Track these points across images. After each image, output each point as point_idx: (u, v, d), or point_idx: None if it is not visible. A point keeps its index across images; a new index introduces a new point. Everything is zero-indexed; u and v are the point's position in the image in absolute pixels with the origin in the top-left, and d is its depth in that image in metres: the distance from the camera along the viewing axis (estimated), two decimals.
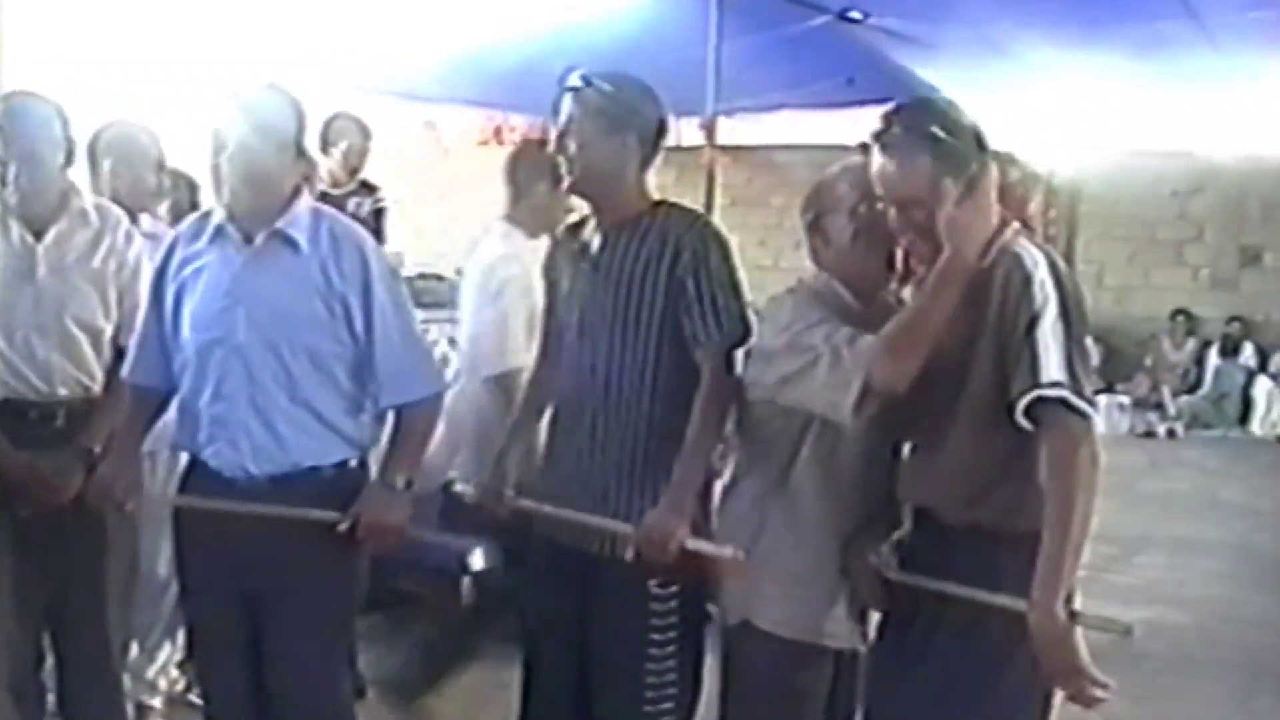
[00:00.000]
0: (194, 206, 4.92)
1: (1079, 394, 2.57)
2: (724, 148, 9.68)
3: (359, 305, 3.17)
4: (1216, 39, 8.39)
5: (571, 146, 3.11)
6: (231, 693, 3.28)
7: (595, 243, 3.19)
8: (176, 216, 4.66)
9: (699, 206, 7.93)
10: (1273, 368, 12.88)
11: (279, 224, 3.15)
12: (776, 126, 15.02)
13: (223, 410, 3.15)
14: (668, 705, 3.13)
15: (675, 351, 3.09)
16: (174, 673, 4.53)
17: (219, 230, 3.20)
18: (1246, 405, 12.81)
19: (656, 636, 3.10)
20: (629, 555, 2.99)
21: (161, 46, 8.63)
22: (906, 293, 2.99)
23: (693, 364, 3.07)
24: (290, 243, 3.16)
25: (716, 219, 8.09)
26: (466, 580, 5.21)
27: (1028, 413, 2.58)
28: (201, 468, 3.23)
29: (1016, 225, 2.74)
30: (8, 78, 4.77)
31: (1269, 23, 8.01)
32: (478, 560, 5.19)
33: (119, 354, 3.57)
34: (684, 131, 13.47)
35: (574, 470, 3.20)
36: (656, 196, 3.21)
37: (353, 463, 3.26)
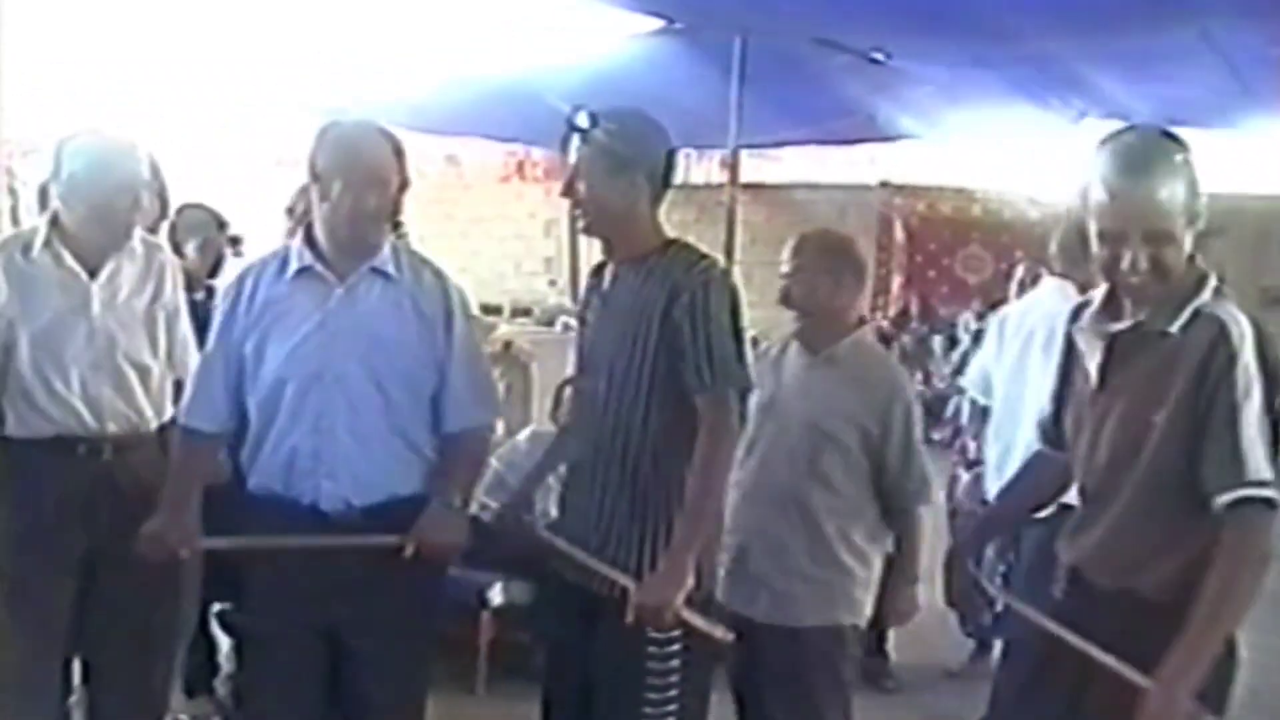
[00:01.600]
0: (221, 245, 4.93)
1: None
2: (745, 186, 9.70)
3: (442, 330, 3.22)
4: (1240, 73, 8.39)
5: (581, 189, 3.10)
6: None
7: (608, 280, 3.20)
8: (204, 254, 4.69)
9: (719, 245, 7.98)
10: None
11: (376, 262, 3.18)
12: (797, 164, 15.12)
13: (320, 444, 3.14)
14: None
15: (672, 395, 3.04)
16: (182, 699, 4.55)
17: (303, 270, 3.19)
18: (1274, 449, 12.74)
19: (655, 681, 3.07)
20: (629, 617, 2.96)
21: (183, 72, 8.72)
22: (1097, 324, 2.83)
23: (692, 408, 3.02)
24: (384, 275, 3.19)
25: (737, 257, 8.14)
26: (486, 616, 5.23)
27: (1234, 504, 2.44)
28: (284, 505, 3.18)
29: (1213, 280, 2.59)
30: (8, 78, 4.80)
31: None
32: (497, 595, 5.20)
33: (178, 390, 3.61)
34: (705, 169, 13.62)
35: (578, 510, 3.20)
36: (671, 234, 3.20)
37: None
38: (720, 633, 3.04)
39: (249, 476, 3.26)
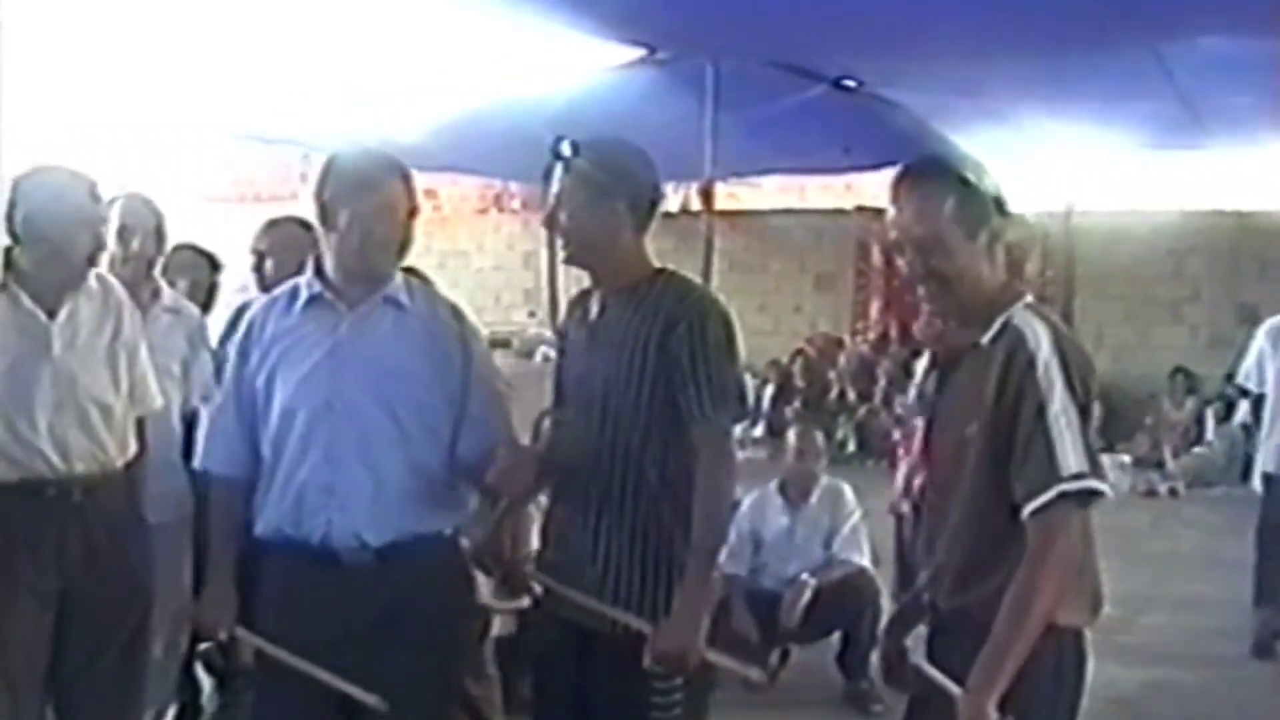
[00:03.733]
0: (213, 287, 4.92)
1: (1103, 478, 2.48)
2: (722, 213, 9.73)
3: (460, 364, 3.16)
4: (1204, 121, 8.51)
5: (562, 216, 3.09)
6: None
7: (594, 311, 3.16)
8: (193, 295, 4.67)
9: (697, 272, 8.01)
10: None
11: (388, 291, 3.11)
12: (774, 193, 15.18)
13: (332, 477, 3.04)
14: None
15: (670, 424, 3.00)
16: None
17: (313, 299, 3.12)
18: (1247, 463, 12.77)
19: (658, 715, 3.03)
20: (646, 663, 2.91)
21: (156, 102, 8.72)
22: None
23: (689, 439, 2.99)
24: (396, 304, 3.13)
25: (715, 284, 8.18)
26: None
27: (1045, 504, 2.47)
28: (293, 547, 3.08)
29: (1028, 297, 2.66)
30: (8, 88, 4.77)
31: (1255, 107, 8.13)
32: (494, 627, 5.17)
33: (139, 425, 3.62)
34: (682, 198, 13.65)
35: (573, 546, 3.11)
36: (658, 264, 3.17)
37: (454, 531, 3.23)
38: (755, 674, 3.01)
39: (257, 520, 3.15)
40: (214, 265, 4.95)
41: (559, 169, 3.09)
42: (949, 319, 2.73)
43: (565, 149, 3.07)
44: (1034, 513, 2.47)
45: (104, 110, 8.83)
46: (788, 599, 5.64)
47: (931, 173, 2.67)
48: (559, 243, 3.15)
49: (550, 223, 3.13)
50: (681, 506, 2.99)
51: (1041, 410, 2.48)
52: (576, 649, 3.09)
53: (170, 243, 4.75)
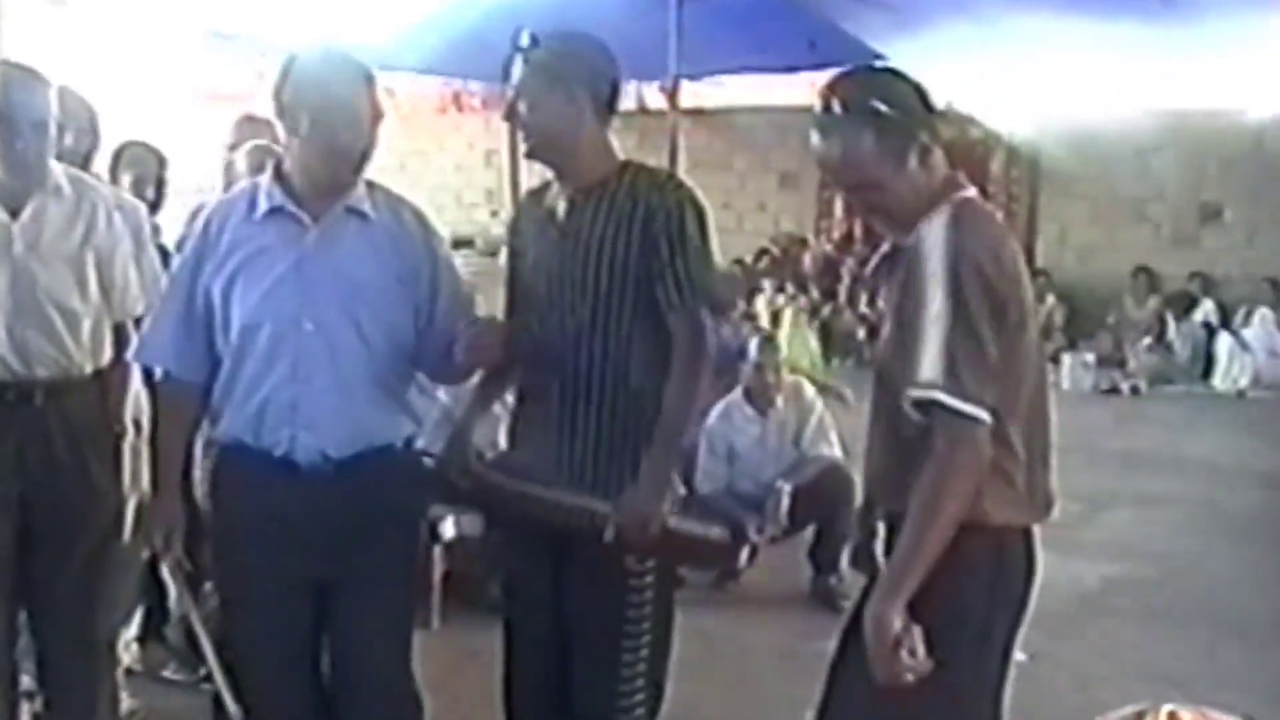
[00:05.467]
0: (160, 181, 4.86)
1: (958, 394, 2.37)
2: (686, 111, 9.59)
3: (427, 273, 3.11)
4: (1178, 5, 8.42)
5: (522, 108, 3.04)
6: (295, 694, 3.16)
7: (561, 208, 3.10)
8: (139, 191, 4.59)
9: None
10: (1233, 323, 12.98)
11: (350, 201, 3.04)
12: (738, 90, 15.01)
13: (298, 393, 3.00)
14: (640, 682, 3.11)
15: (650, 317, 3.00)
16: (134, 648, 4.55)
17: (274, 210, 3.03)
18: (1208, 361, 12.90)
19: (632, 613, 3.06)
20: (608, 536, 2.92)
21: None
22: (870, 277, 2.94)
23: (666, 330, 3.00)
24: (360, 214, 3.06)
25: None
26: (438, 549, 5.22)
27: (918, 407, 2.44)
28: (254, 456, 3.06)
29: (959, 194, 2.58)
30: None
31: None
32: (449, 529, 5.19)
33: (118, 332, 3.55)
34: (646, 95, 13.52)
35: (547, 445, 3.10)
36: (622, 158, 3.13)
37: (416, 440, 3.21)
38: (716, 533, 3.02)
39: (216, 424, 3.14)
40: (161, 161, 4.89)
41: (518, 61, 3.03)
42: (898, 233, 2.68)
43: (524, 40, 3.03)
44: (930, 412, 2.41)
45: (58, 6, 8.63)
46: (769, 507, 5.68)
47: (844, 116, 2.58)
48: (520, 136, 3.09)
49: (510, 115, 3.07)
50: (655, 401, 2.98)
51: (918, 311, 2.44)
52: (550, 551, 3.10)
53: (121, 139, 4.70)
